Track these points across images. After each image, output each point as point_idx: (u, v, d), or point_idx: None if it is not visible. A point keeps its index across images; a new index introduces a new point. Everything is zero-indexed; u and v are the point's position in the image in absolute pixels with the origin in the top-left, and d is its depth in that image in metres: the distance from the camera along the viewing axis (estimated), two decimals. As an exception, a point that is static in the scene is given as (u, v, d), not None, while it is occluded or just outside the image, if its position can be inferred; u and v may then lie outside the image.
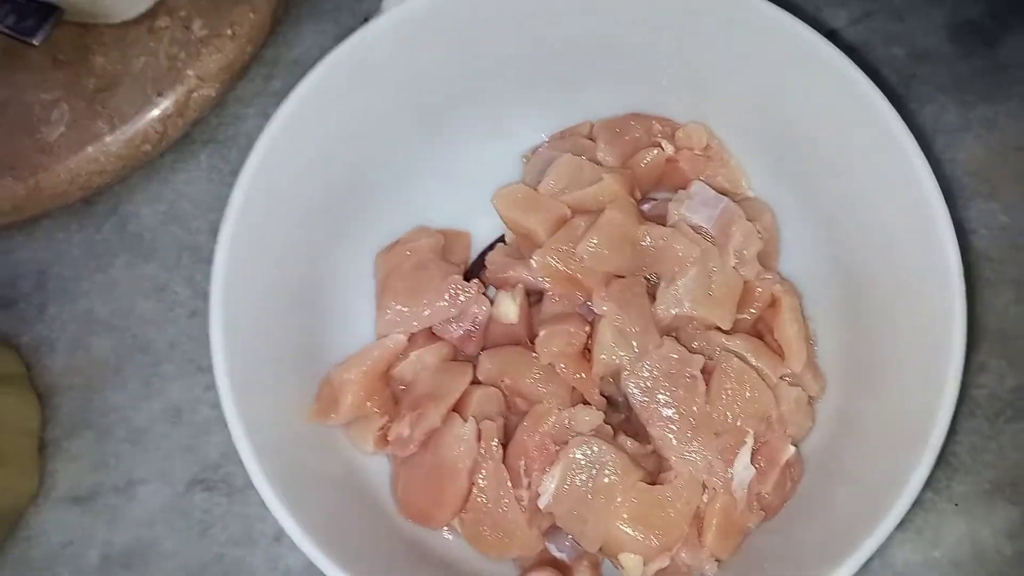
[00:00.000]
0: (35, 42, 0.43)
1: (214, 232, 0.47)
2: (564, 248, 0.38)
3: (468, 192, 0.44)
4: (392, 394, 0.40)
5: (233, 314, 0.36)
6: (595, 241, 0.38)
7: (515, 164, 0.45)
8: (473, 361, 0.40)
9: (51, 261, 0.48)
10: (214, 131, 0.49)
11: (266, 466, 0.34)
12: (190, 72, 0.46)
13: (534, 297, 0.41)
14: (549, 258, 0.38)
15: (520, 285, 0.40)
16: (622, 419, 0.38)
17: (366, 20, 0.40)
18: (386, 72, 0.39)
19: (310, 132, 0.38)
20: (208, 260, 0.47)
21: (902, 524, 0.38)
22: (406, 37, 0.38)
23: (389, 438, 0.39)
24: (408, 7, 0.38)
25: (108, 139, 0.45)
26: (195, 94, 0.46)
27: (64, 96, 0.46)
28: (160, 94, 0.45)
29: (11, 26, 0.43)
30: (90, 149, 0.45)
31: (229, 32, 0.46)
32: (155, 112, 0.45)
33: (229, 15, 0.46)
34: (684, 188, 0.40)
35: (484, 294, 0.40)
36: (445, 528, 0.38)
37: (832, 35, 0.35)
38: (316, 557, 0.33)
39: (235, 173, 0.48)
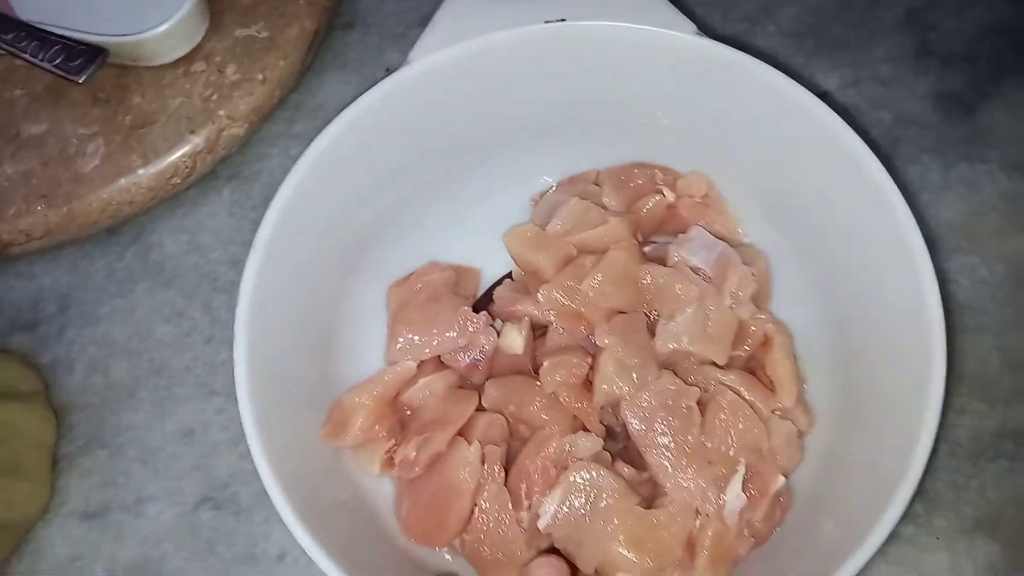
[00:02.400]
0: (80, 80, 0.46)
1: (232, 262, 0.50)
2: (570, 284, 0.41)
3: (479, 232, 0.46)
4: (400, 419, 0.42)
5: (256, 340, 0.38)
6: (599, 278, 0.40)
7: (524, 208, 0.47)
8: (479, 389, 0.42)
9: (74, 286, 0.50)
10: (238, 168, 0.52)
11: (282, 484, 0.35)
12: (222, 112, 0.48)
13: (539, 331, 0.43)
14: (555, 293, 0.40)
15: (526, 318, 0.42)
16: (620, 448, 0.40)
17: (388, 71, 0.43)
18: (409, 119, 0.42)
19: (331, 175, 0.40)
20: (225, 289, 0.50)
21: (885, 556, 0.39)
22: (430, 87, 0.41)
23: (395, 461, 0.40)
24: (432, 60, 0.40)
25: (140, 172, 0.48)
26: (225, 132, 0.49)
27: (101, 131, 0.49)
28: (192, 132, 0.48)
29: (59, 64, 0.46)
30: (123, 181, 0.48)
31: (260, 77, 0.49)
32: (186, 148, 0.48)
33: (261, 61, 0.50)
34: (684, 233, 0.43)
35: (491, 326, 0.42)
36: (446, 549, 0.39)
37: (824, 97, 0.38)
38: (329, 569, 0.34)
39: (256, 208, 0.51)
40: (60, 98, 0.49)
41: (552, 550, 0.37)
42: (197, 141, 0.48)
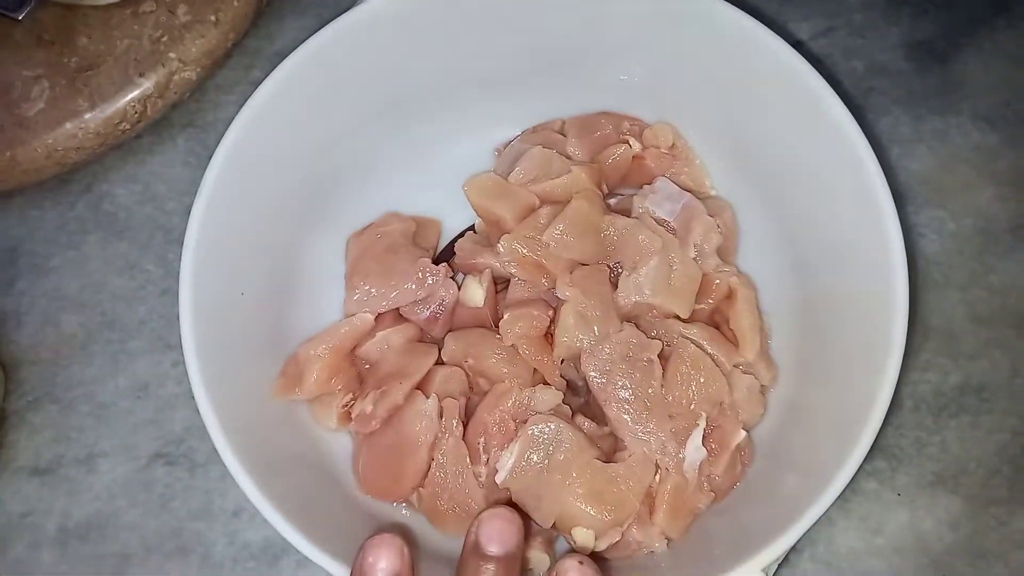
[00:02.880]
0: (19, 17, 0.44)
1: (187, 213, 0.48)
2: (531, 235, 0.40)
3: (440, 183, 0.45)
4: (357, 373, 0.41)
5: (203, 291, 0.37)
6: (561, 228, 0.39)
7: (488, 159, 0.46)
8: (438, 343, 0.41)
9: (23, 237, 0.48)
10: (193, 116, 0.50)
11: (232, 439, 0.35)
12: (172, 55, 0.46)
13: (501, 284, 0.42)
14: (516, 244, 0.39)
15: (487, 271, 0.41)
16: (581, 403, 0.39)
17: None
18: (361, 63, 0.40)
19: (284, 117, 0.39)
20: (180, 241, 0.47)
21: (847, 512, 0.39)
22: (382, 30, 0.39)
23: (352, 415, 0.39)
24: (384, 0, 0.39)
25: (87, 116, 0.46)
26: (176, 77, 0.47)
27: (46, 73, 0.46)
28: (142, 75, 0.46)
29: (-4, 0, 0.43)
30: (68, 125, 0.46)
31: (212, 19, 0.47)
32: (136, 92, 0.46)
33: (213, 3, 0.47)
34: (649, 184, 0.42)
35: (452, 279, 0.41)
36: (403, 504, 0.39)
37: (796, 47, 0.37)
38: (281, 527, 0.33)
39: (212, 158, 0.49)
40: (2, 39, 0.47)
41: (510, 504, 0.37)
42: (147, 85, 0.46)
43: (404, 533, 0.33)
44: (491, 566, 0.29)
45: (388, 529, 0.31)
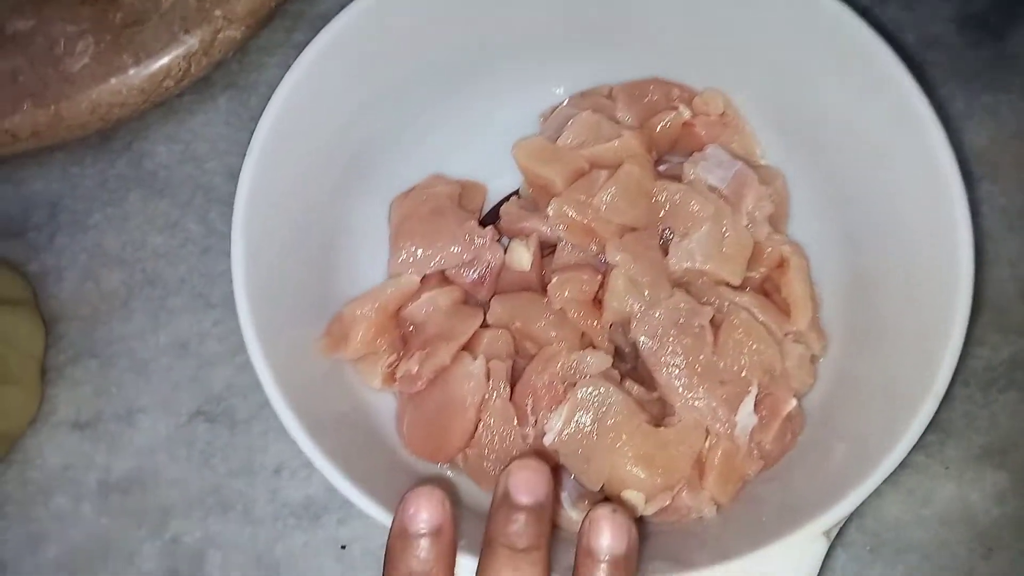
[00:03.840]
0: (66, -30, 0.43)
1: (229, 174, 0.48)
2: (581, 199, 0.39)
3: (484, 148, 0.44)
4: (402, 335, 0.41)
5: (254, 248, 0.36)
6: (612, 193, 0.38)
7: (533, 123, 0.45)
8: (484, 307, 0.40)
9: (63, 193, 0.48)
10: (235, 76, 0.50)
11: (285, 392, 0.34)
12: (218, 13, 0.46)
13: (547, 250, 0.42)
14: (566, 207, 0.39)
15: (534, 235, 0.41)
16: (629, 368, 0.39)
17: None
18: (406, 25, 0.40)
19: (331, 79, 0.39)
20: (222, 200, 0.48)
21: (895, 484, 0.39)
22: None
23: (397, 375, 0.39)
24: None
25: (131, 72, 0.45)
26: (221, 35, 0.46)
27: (91, 29, 0.46)
28: (187, 32, 0.46)
29: (43, -47, 0.43)
30: (113, 81, 0.45)
31: (259, -23, 0.47)
32: (181, 49, 0.46)
33: (260, -40, 0.47)
34: (699, 152, 0.41)
35: (498, 242, 0.41)
36: (448, 465, 0.39)
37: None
38: (331, 475, 0.33)
39: (254, 119, 0.48)
40: (46, -7, 0.47)
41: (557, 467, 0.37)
42: (192, 42, 0.46)
43: (445, 486, 0.33)
44: (521, 516, 0.28)
45: (430, 482, 0.31)
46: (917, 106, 0.35)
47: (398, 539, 0.28)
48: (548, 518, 0.29)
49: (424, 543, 0.28)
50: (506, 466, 0.30)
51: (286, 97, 0.38)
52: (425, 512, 0.28)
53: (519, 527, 0.28)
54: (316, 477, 0.42)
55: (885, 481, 0.32)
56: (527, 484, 0.29)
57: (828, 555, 0.35)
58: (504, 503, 0.29)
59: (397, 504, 0.29)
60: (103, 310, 0.46)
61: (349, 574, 0.41)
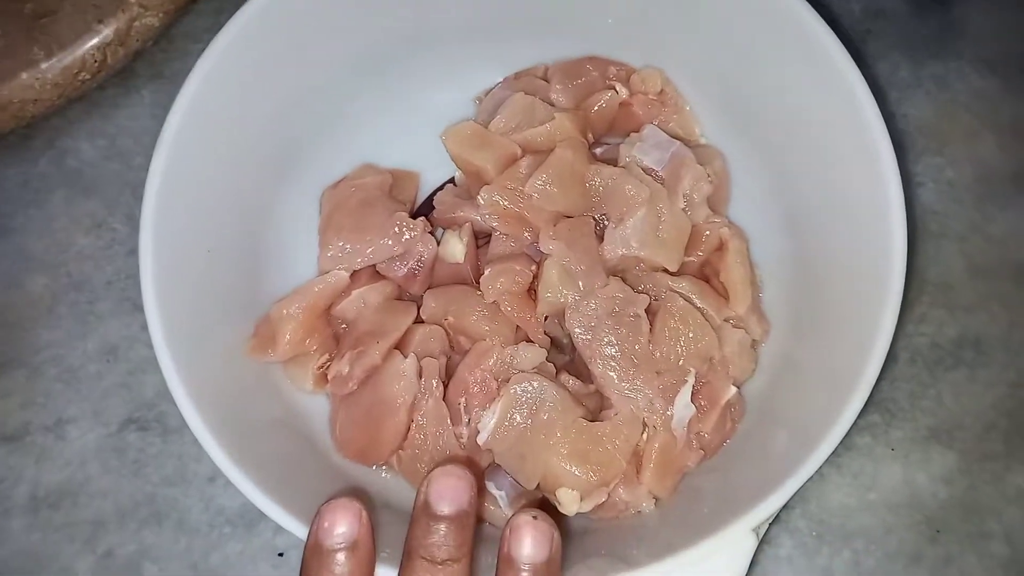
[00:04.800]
0: (-33, -40, 0.41)
1: (155, 169, 0.46)
2: (512, 186, 0.38)
3: (418, 134, 0.43)
4: (333, 333, 0.39)
5: (166, 249, 0.35)
6: (544, 179, 0.37)
7: (468, 108, 0.44)
8: (417, 301, 0.39)
9: (-16, 195, 0.46)
10: (160, 66, 0.48)
11: (200, 404, 0.33)
12: (132, 0, 0.44)
13: (482, 239, 0.40)
14: (497, 196, 0.38)
15: (467, 225, 0.39)
16: (566, 361, 0.38)
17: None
18: (333, 7, 0.38)
19: (250, 64, 0.37)
20: (149, 197, 0.46)
21: (840, 467, 0.38)
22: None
23: (329, 376, 0.38)
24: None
25: (44, 66, 0.43)
26: (137, 23, 0.44)
27: (-1, 21, 0.44)
28: (101, 21, 0.44)
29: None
30: (24, 76, 0.43)
31: (175, -39, 0.45)
32: (95, 40, 0.44)
33: (176, -56, 0.45)
34: (637, 132, 0.40)
35: (430, 233, 0.40)
36: (383, 467, 0.38)
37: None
38: (251, 493, 0.32)
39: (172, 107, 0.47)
40: (-49, -15, 0.44)
41: (493, 466, 0.36)
42: (106, 32, 0.44)
43: (363, 497, 0.32)
44: (441, 526, 0.27)
45: (348, 492, 0.30)
46: (851, 81, 0.34)
47: (313, 555, 0.27)
48: (471, 525, 0.28)
49: (340, 558, 0.27)
50: (428, 473, 0.29)
51: (198, 86, 0.36)
52: (341, 526, 0.27)
53: (439, 538, 0.27)
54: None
55: (830, 465, 0.31)
56: (448, 492, 0.28)
57: (773, 542, 0.35)
58: (424, 513, 0.28)
59: (313, 517, 0.28)
60: (28, 316, 0.44)
61: (288, 581, 0.40)
